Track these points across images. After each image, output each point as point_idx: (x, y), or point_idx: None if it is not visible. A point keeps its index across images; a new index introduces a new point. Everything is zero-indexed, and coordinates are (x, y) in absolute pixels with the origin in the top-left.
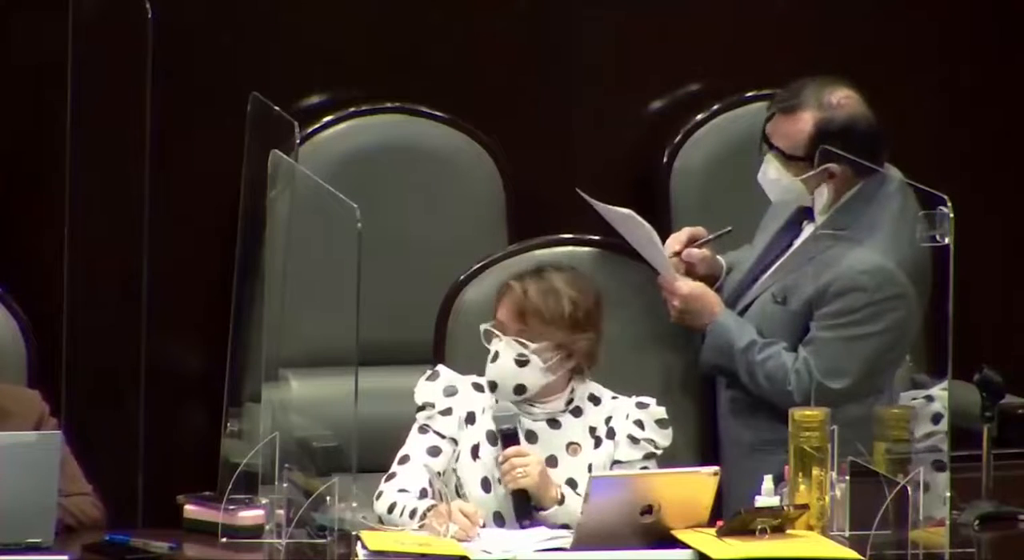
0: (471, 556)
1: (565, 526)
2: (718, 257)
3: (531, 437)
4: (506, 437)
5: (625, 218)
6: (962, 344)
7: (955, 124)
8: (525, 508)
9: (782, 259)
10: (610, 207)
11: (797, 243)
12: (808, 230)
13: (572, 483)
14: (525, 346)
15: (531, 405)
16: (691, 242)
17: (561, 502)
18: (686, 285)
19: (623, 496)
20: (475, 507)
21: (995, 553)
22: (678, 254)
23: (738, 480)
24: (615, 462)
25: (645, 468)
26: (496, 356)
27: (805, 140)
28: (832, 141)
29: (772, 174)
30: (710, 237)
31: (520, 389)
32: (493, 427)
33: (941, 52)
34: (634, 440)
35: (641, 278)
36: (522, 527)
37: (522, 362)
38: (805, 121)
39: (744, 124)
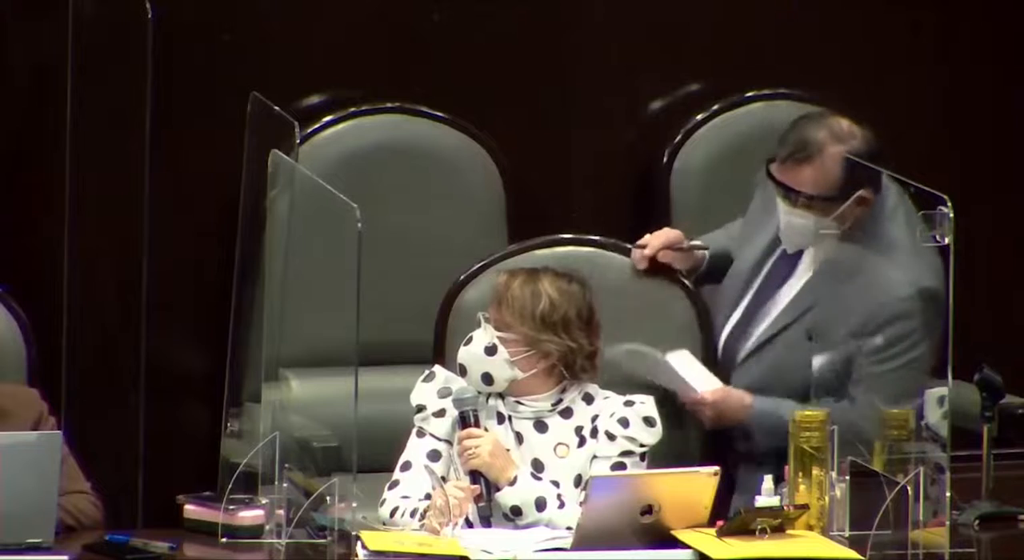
0: (471, 556)
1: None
2: (695, 243)
3: (519, 439)
4: (462, 419)
5: (675, 359)
6: (962, 344)
7: (955, 124)
8: (483, 489)
9: (792, 293)
10: (667, 363)
11: (800, 270)
12: (808, 257)
13: (556, 484)
14: (492, 333)
15: (517, 402)
16: (666, 247)
17: (513, 483)
18: (709, 394)
19: (623, 496)
20: (467, 484)
21: (995, 553)
22: (654, 257)
23: (743, 481)
24: (593, 457)
25: (622, 464)
26: (469, 340)
27: (838, 178)
28: (862, 167)
29: (801, 221)
30: (684, 247)
31: (488, 378)
32: (489, 427)
33: (941, 51)
34: (611, 436)
35: (640, 279)
36: (480, 512)
37: (490, 350)
38: (832, 159)
39: (744, 124)
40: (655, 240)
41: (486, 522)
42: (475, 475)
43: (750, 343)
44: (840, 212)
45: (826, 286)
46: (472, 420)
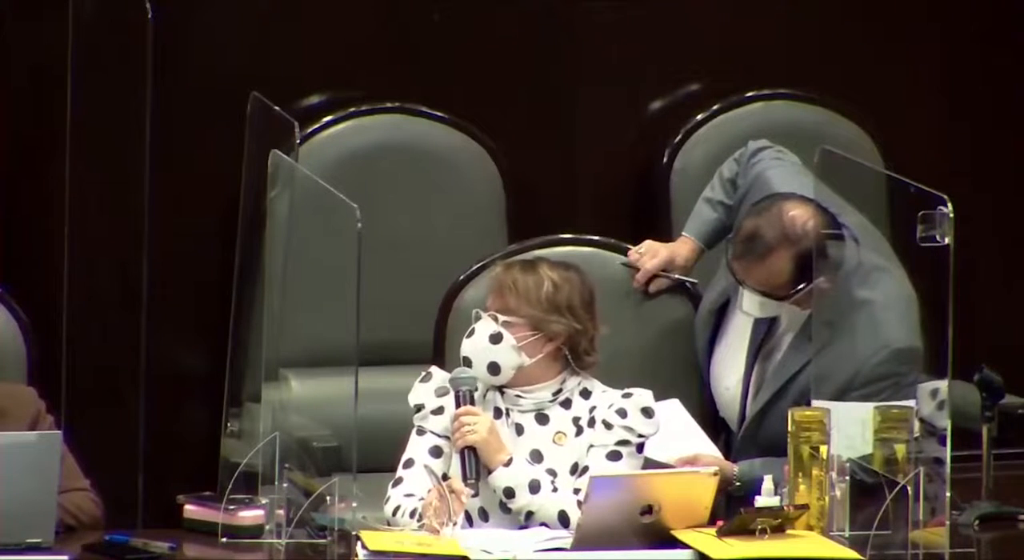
0: (471, 556)
1: (533, 516)
2: (687, 279)
3: (519, 430)
4: (458, 399)
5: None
6: (962, 344)
7: (955, 124)
8: (473, 467)
9: (775, 357)
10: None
11: (780, 328)
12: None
13: (552, 473)
14: (497, 319)
15: (517, 396)
16: (658, 272)
17: (508, 464)
18: (712, 461)
19: (623, 496)
20: (460, 484)
21: (995, 553)
22: (646, 284)
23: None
24: (590, 446)
25: (618, 453)
26: (472, 332)
27: (787, 279)
28: (818, 260)
29: (758, 310)
30: (674, 277)
31: (494, 368)
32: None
33: (941, 51)
34: (608, 426)
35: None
36: (471, 487)
37: (495, 338)
38: (782, 260)
39: (744, 124)
40: (648, 263)
41: (483, 513)
42: (467, 452)
43: (747, 412)
44: (799, 298)
45: (805, 353)
46: (468, 399)
